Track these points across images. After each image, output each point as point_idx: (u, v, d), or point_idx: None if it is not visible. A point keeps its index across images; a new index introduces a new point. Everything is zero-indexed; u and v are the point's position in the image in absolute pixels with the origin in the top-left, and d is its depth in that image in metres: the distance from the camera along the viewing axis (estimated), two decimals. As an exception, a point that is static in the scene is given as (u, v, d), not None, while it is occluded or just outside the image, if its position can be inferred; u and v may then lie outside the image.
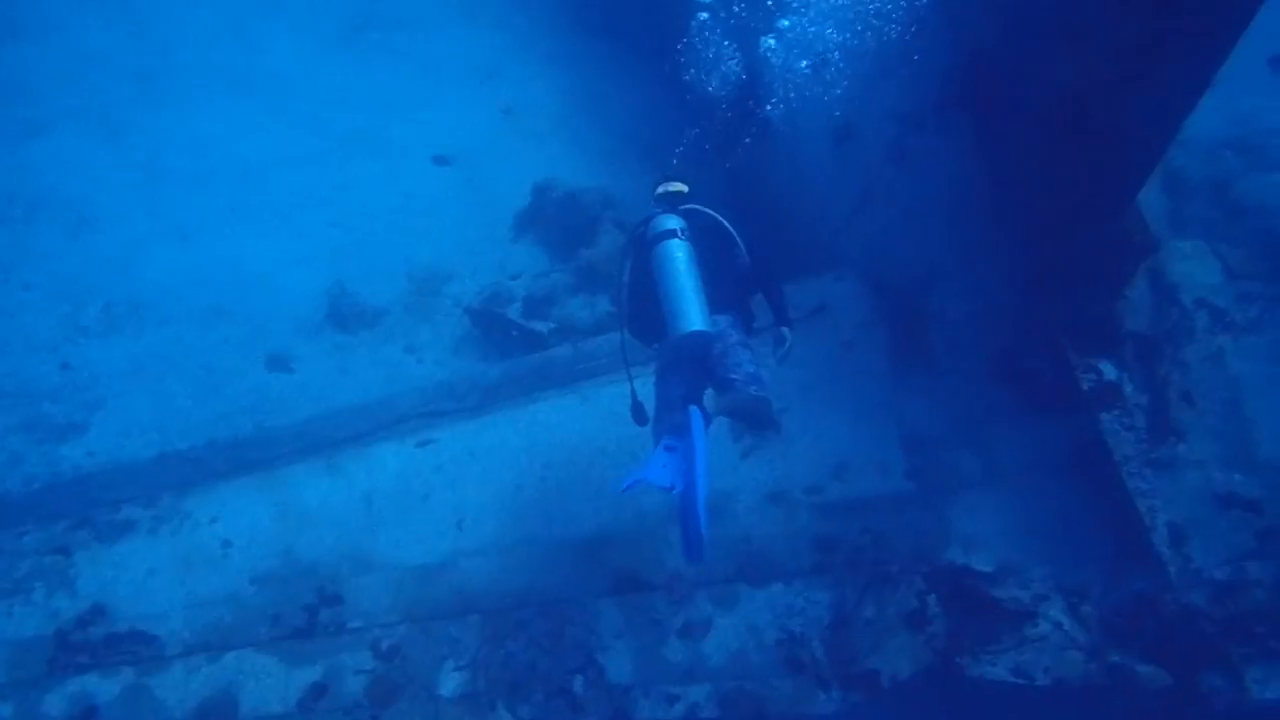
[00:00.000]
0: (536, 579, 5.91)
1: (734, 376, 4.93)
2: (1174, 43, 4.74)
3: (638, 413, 5.23)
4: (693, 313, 4.77)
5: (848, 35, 6.98)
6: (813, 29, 7.13)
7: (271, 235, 8.59)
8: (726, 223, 5.17)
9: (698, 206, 5.21)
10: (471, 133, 9.43)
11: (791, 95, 7.37)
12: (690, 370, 4.99)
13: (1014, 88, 5.92)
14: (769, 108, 7.58)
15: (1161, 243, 6.27)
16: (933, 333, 6.49)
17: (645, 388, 5.20)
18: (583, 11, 10.78)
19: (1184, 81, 4.89)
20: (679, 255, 4.86)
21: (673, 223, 4.97)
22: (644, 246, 5.05)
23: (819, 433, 6.22)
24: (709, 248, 4.98)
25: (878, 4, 6.86)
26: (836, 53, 7.03)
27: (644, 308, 5.13)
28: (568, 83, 9.98)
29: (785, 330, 5.26)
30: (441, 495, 6.17)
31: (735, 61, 7.59)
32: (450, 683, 5.70)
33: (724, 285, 4.95)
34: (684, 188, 5.40)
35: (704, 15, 7.49)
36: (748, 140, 7.76)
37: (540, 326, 7.47)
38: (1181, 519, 5.86)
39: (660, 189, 5.42)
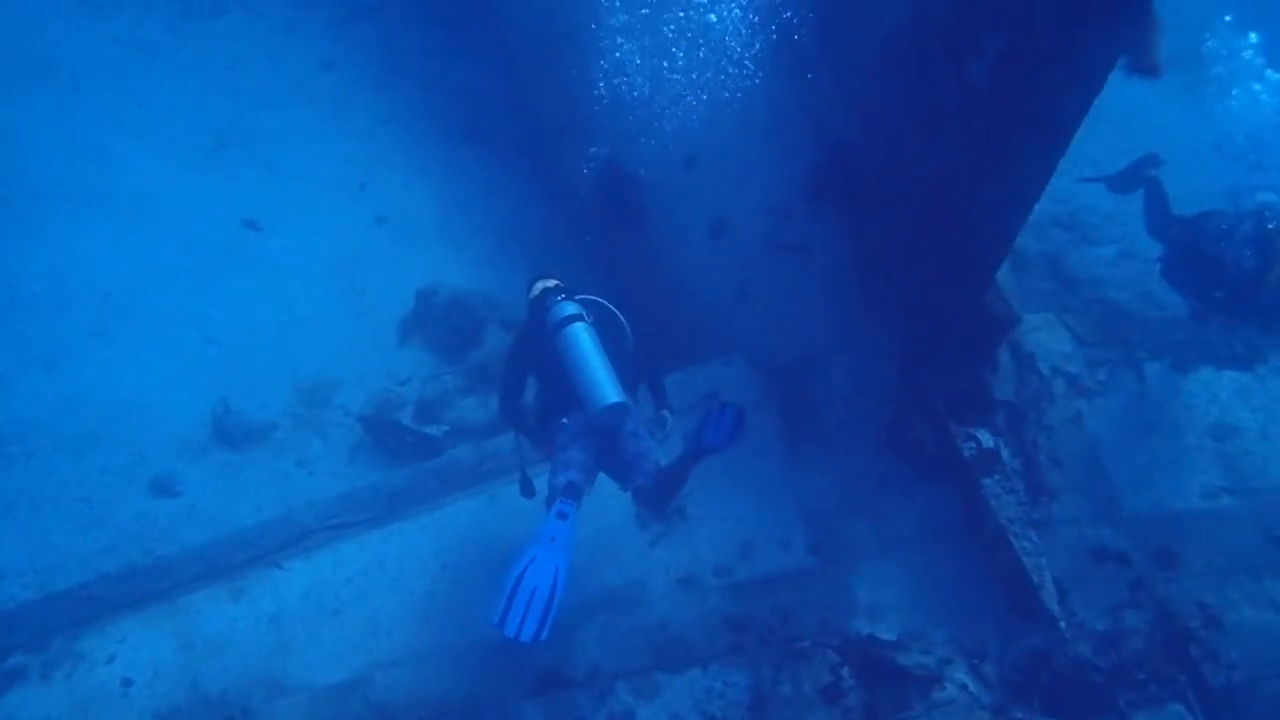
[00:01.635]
0: (456, 686, 5.79)
1: (647, 464, 5.17)
2: (1019, 138, 5.22)
3: (526, 486, 5.48)
4: (608, 387, 4.99)
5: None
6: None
7: (145, 357, 8.31)
8: (616, 311, 5.50)
9: (590, 296, 5.51)
10: (347, 242, 9.43)
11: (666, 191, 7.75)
12: (597, 442, 5.19)
13: (877, 179, 6.38)
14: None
15: (1021, 316, 6.73)
16: (821, 411, 6.79)
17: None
18: (447, 120, 11.01)
19: (1030, 171, 5.36)
20: (585, 337, 5.10)
21: (573, 308, 5.24)
22: (543, 334, 5.27)
23: (722, 515, 6.38)
24: (604, 334, 5.24)
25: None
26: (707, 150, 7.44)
27: (541, 394, 5.42)
28: (439, 190, 10.12)
29: (666, 413, 5.62)
30: (354, 610, 6.04)
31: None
32: (374, 804, 5.51)
33: (619, 371, 5.16)
34: (558, 283, 5.66)
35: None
36: (626, 235, 8.07)
37: (434, 430, 7.50)
38: (1061, 574, 6.24)
39: (537, 286, 5.67)
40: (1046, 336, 7.79)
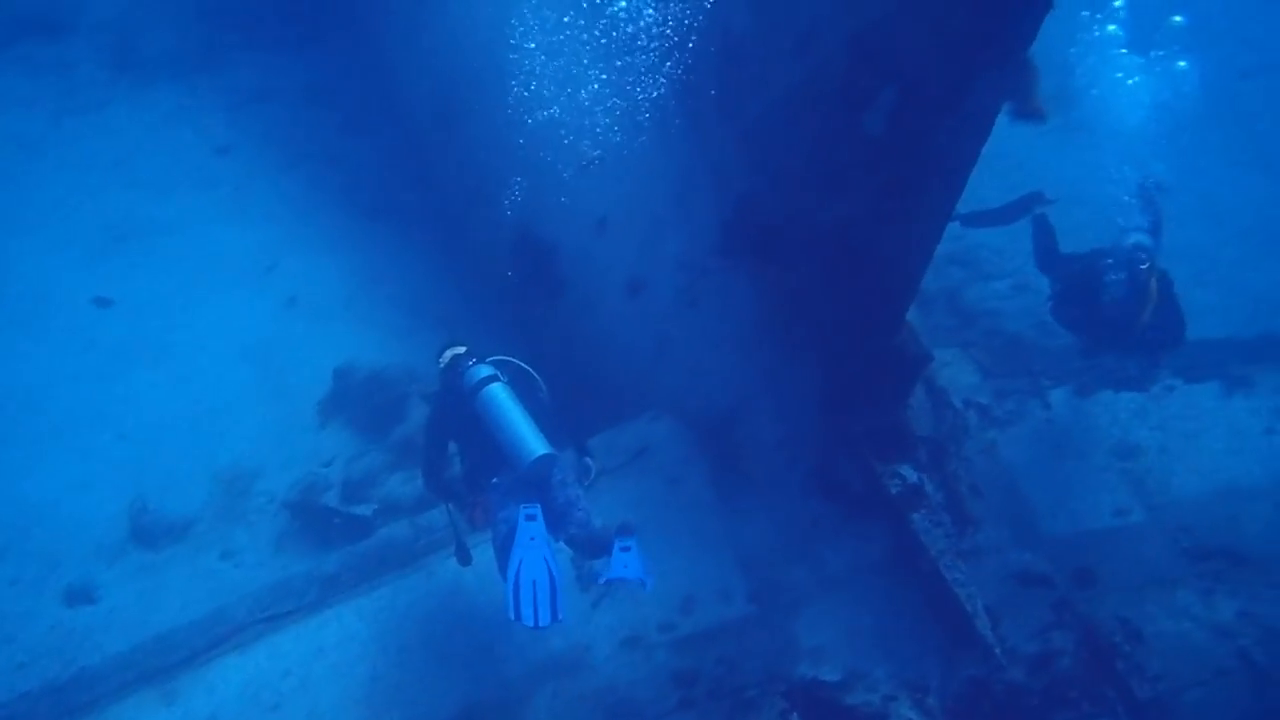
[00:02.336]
0: (406, 770, 5.67)
1: (578, 512, 5.39)
2: (918, 184, 5.47)
3: (462, 553, 5.62)
4: (534, 440, 5.17)
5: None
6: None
7: (53, 461, 7.93)
8: (528, 368, 5.71)
9: (500, 356, 5.72)
10: (258, 326, 9.23)
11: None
12: (529, 496, 5.29)
13: (785, 230, 6.57)
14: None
15: (933, 354, 6.94)
16: (749, 459, 6.90)
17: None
18: (350, 196, 10.96)
19: (931, 214, 5.60)
20: (504, 395, 5.29)
21: (487, 370, 5.44)
22: (460, 400, 5.42)
23: (662, 571, 6.31)
24: (519, 391, 5.43)
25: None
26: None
27: (466, 460, 5.56)
28: (348, 266, 10.02)
29: (589, 460, 5.81)
30: (294, 702, 5.84)
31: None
32: None
33: (540, 424, 5.33)
34: (467, 348, 5.83)
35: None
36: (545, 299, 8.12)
37: (363, 510, 7.36)
38: (991, 601, 6.40)
39: (447, 354, 5.81)
40: (956, 371, 8.11)
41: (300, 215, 10.67)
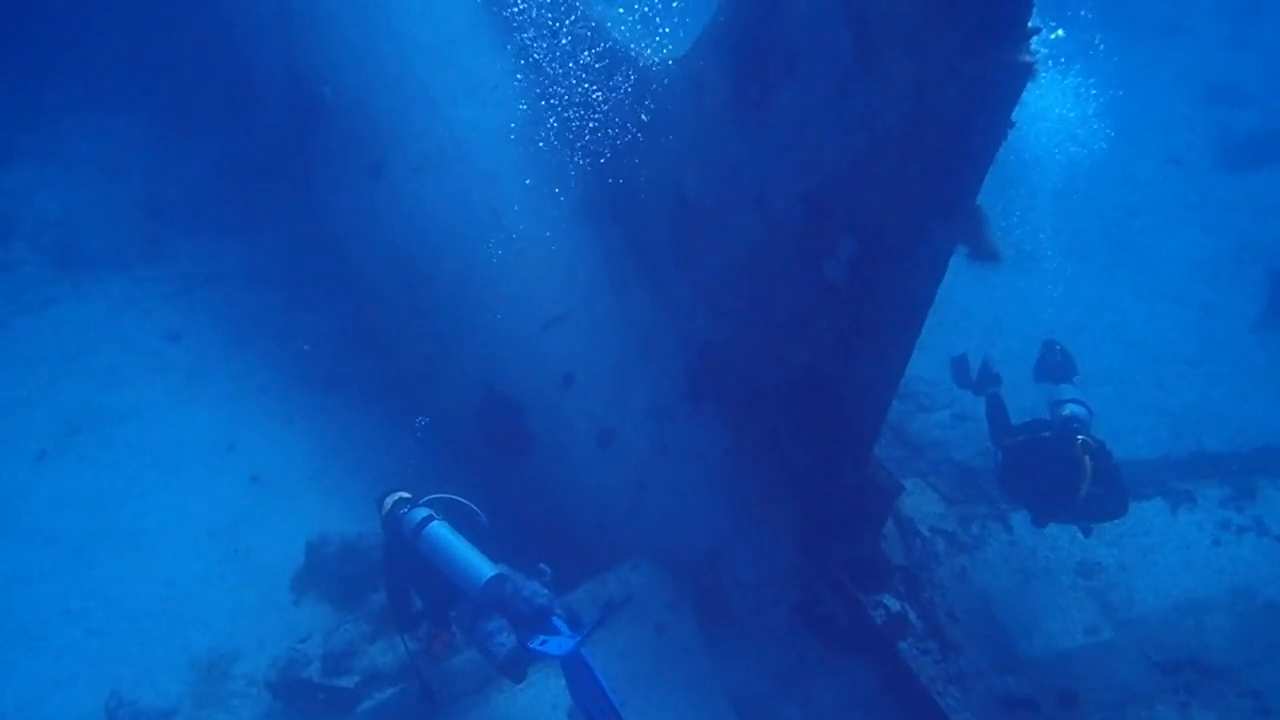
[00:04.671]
0: None
1: (544, 619, 5.66)
2: (879, 325, 5.81)
3: (425, 697, 5.85)
4: (480, 566, 5.54)
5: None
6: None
7: (22, 663, 7.56)
8: (462, 499, 6.26)
9: (435, 495, 6.22)
10: (223, 506, 9.08)
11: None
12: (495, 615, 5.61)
13: (751, 375, 6.86)
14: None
15: (904, 485, 7.16)
16: (733, 600, 6.97)
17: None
18: (305, 370, 11.04)
19: (892, 352, 5.91)
20: (442, 531, 5.72)
21: (423, 512, 5.88)
22: (405, 545, 5.80)
23: (658, 718, 6.35)
24: (457, 523, 5.91)
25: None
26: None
27: (425, 598, 5.92)
28: (310, 439, 9.97)
29: (543, 565, 6.13)
30: None
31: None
32: None
33: (483, 548, 5.75)
34: (404, 494, 6.23)
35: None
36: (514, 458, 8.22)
37: (346, 682, 7.18)
38: (982, 727, 6.50)
39: (388, 501, 6.22)
40: (919, 500, 8.37)
41: (256, 393, 10.64)
